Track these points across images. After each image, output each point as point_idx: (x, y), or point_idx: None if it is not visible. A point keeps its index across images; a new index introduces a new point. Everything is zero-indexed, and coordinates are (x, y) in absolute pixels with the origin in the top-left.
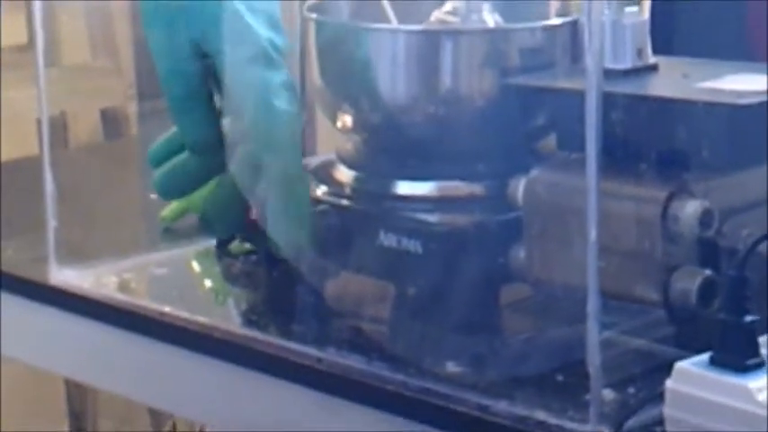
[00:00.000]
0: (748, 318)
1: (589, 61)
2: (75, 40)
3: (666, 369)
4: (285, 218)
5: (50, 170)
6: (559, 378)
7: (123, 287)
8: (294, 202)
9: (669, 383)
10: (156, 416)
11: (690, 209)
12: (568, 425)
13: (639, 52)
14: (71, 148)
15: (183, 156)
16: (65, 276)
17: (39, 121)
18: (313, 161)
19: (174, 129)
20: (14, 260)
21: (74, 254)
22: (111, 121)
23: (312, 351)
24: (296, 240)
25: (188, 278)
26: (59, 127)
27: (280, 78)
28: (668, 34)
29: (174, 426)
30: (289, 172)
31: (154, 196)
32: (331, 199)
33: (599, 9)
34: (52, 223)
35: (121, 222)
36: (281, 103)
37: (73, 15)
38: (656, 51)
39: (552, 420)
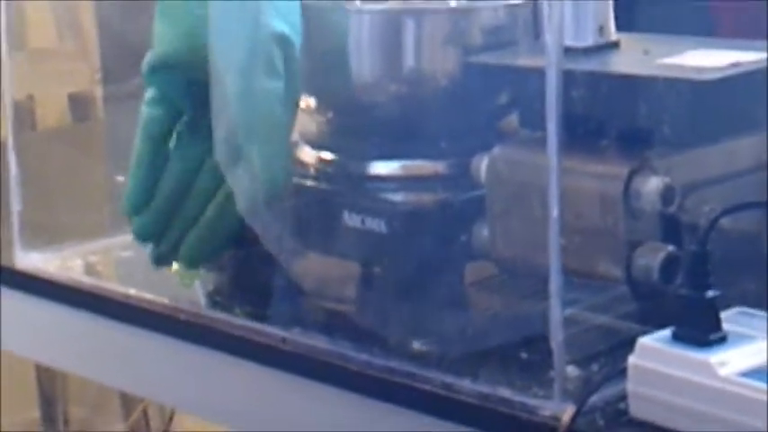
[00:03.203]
0: (710, 293)
1: (549, 39)
2: (41, 24)
3: (629, 345)
4: (263, 172)
5: (15, 154)
6: (523, 355)
7: (89, 270)
8: (273, 151)
9: (632, 359)
10: (127, 400)
11: (651, 185)
12: (532, 401)
13: (601, 29)
14: (39, 132)
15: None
16: (30, 260)
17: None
18: None
19: (142, 170)
20: None
21: (39, 237)
22: (78, 104)
23: (277, 331)
24: (278, 232)
25: None
26: (27, 111)
27: (267, 55)
28: (631, 11)
29: (146, 409)
30: (270, 111)
31: (120, 179)
32: (295, 179)
33: None
34: (16, 207)
35: (87, 205)
36: (264, 82)
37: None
38: (619, 28)
39: (516, 397)
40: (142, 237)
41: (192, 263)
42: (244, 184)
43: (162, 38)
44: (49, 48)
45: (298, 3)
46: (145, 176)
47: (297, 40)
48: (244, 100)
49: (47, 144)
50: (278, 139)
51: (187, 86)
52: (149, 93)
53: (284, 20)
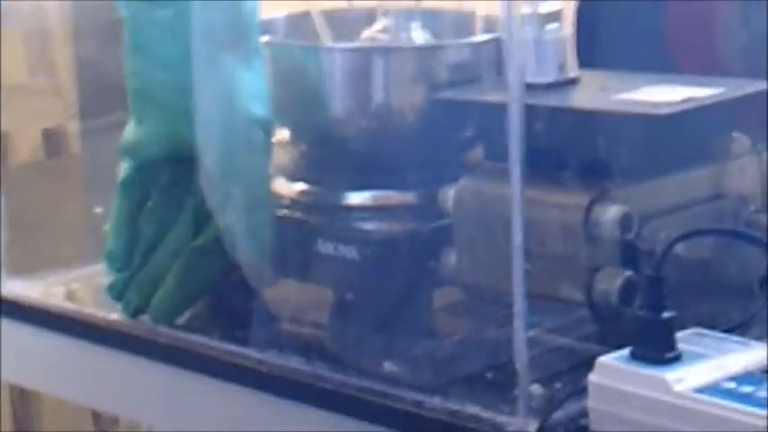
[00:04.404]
0: (666, 314)
1: (511, 76)
2: (12, 61)
3: (590, 364)
4: (248, 231)
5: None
6: (489, 375)
7: (70, 296)
8: (259, 222)
9: (592, 377)
10: (101, 422)
11: (610, 214)
12: (498, 418)
13: (561, 66)
14: (13, 167)
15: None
16: (14, 287)
17: None
18: None
19: (121, 231)
20: None
21: (22, 266)
22: (52, 140)
23: (254, 353)
24: (257, 264)
25: None
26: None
27: (251, 80)
28: (591, 49)
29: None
30: (254, 200)
31: (98, 210)
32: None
33: (519, 26)
34: (2, 237)
35: (67, 236)
36: (253, 109)
37: (9, 37)
38: (582, 65)
39: (484, 414)
40: (114, 295)
41: (162, 317)
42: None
43: (145, 126)
44: (20, 84)
45: (265, 84)
46: (124, 237)
47: (270, 120)
48: (229, 178)
49: (23, 178)
50: (261, 210)
51: (163, 163)
52: (129, 164)
53: (260, 102)
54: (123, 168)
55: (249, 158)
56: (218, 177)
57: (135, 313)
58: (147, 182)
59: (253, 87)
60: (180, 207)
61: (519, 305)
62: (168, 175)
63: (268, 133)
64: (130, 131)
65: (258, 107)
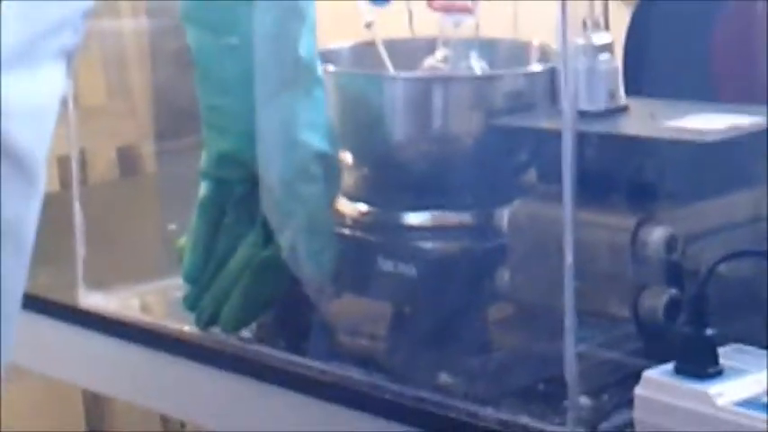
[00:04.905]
0: (709, 331)
1: (565, 104)
2: (91, 84)
3: (636, 378)
4: (310, 255)
5: (78, 203)
6: (541, 387)
7: (145, 309)
8: (318, 239)
9: (638, 390)
10: (168, 425)
11: (657, 235)
12: (549, 428)
13: (612, 95)
14: (90, 185)
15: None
16: (92, 300)
17: (59, 160)
18: None
19: (198, 247)
20: (46, 286)
21: (99, 280)
22: (126, 159)
23: (317, 364)
24: (319, 276)
25: None
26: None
27: (311, 112)
28: (639, 78)
29: None
30: (314, 226)
31: (172, 227)
32: (334, 228)
33: (574, 57)
34: (81, 252)
35: (143, 251)
36: (312, 142)
37: (89, 61)
38: (628, 93)
39: (534, 424)
40: (188, 307)
41: (231, 327)
42: (290, 240)
43: (212, 148)
44: (99, 105)
45: (324, 115)
46: (201, 252)
47: (332, 150)
48: (290, 209)
49: (100, 196)
50: (322, 235)
51: (235, 181)
52: (206, 184)
53: (319, 134)
54: (201, 188)
55: (307, 188)
56: (278, 201)
57: (207, 324)
58: (222, 200)
59: (312, 119)
60: (251, 222)
61: (569, 321)
62: (241, 191)
63: (327, 163)
64: (205, 153)
65: (316, 138)
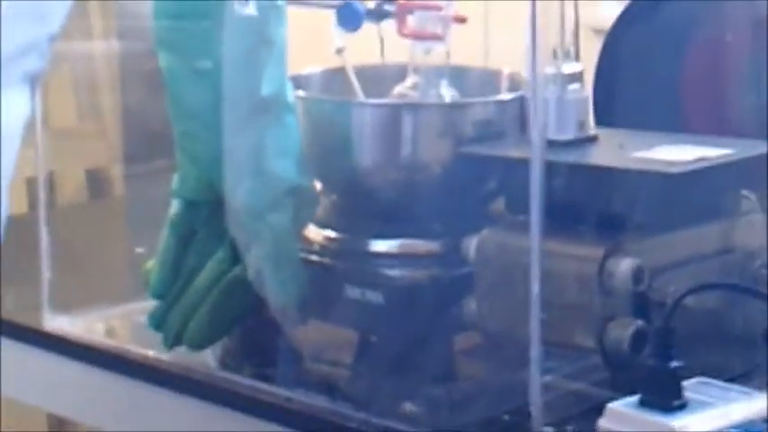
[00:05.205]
0: (674, 364)
1: (534, 134)
2: (61, 105)
3: (601, 410)
4: (276, 283)
5: (45, 226)
6: (505, 417)
7: (110, 333)
8: (285, 268)
9: (602, 422)
10: None
11: (624, 266)
12: None
13: (581, 124)
14: (58, 207)
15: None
16: (58, 323)
17: (27, 181)
18: None
19: (167, 264)
20: (10, 308)
21: (65, 303)
22: (95, 181)
23: (281, 391)
24: (285, 304)
25: None
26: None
27: (280, 141)
28: (609, 108)
29: None
30: (280, 254)
31: (139, 250)
32: (302, 255)
33: (543, 86)
34: (46, 275)
35: (109, 274)
36: (280, 171)
37: (60, 82)
38: (598, 123)
39: None
40: (153, 325)
41: (196, 344)
42: (256, 264)
43: (184, 170)
44: (69, 127)
45: (297, 140)
46: (168, 269)
47: (304, 178)
48: (256, 237)
49: (69, 218)
50: (288, 263)
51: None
52: (176, 202)
53: (291, 162)
54: (172, 205)
55: (275, 218)
56: (245, 228)
57: (173, 342)
58: (192, 218)
59: (283, 147)
60: (222, 239)
61: (535, 351)
62: (210, 210)
63: (297, 192)
64: (177, 174)
65: (287, 167)
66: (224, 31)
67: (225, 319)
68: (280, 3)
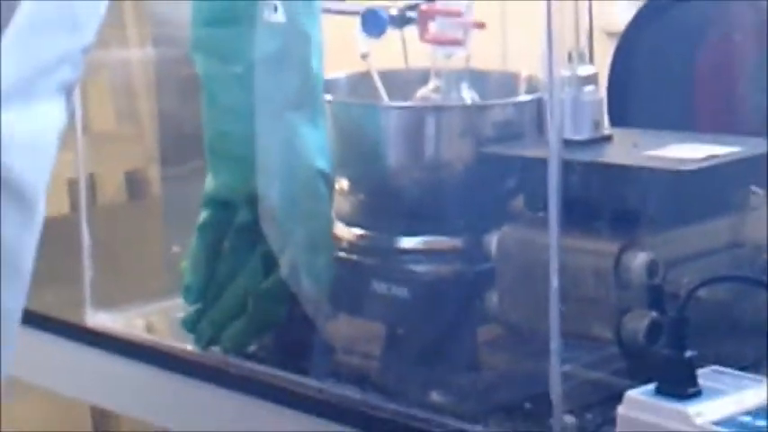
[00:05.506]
0: (688, 353)
1: (551, 134)
2: (101, 110)
3: (619, 397)
4: (310, 274)
5: (86, 226)
6: (527, 405)
7: (149, 328)
8: (319, 257)
9: (620, 409)
10: None
11: (638, 260)
12: None
13: (596, 124)
14: (99, 207)
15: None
16: (99, 319)
17: (69, 183)
18: None
19: (199, 269)
20: (54, 305)
21: (106, 300)
22: (134, 182)
23: (313, 382)
24: (318, 295)
25: None
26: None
27: (315, 136)
28: (623, 108)
29: None
30: (314, 243)
31: (176, 249)
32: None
33: (560, 88)
34: (88, 273)
35: (147, 273)
36: (317, 162)
37: (99, 88)
38: (612, 123)
39: None
40: (188, 328)
41: (232, 349)
42: (291, 259)
43: (217, 174)
44: (108, 131)
45: (326, 139)
46: (201, 275)
47: (330, 172)
48: (291, 227)
49: (109, 218)
50: (322, 252)
51: (236, 208)
52: (207, 209)
53: (322, 156)
54: (202, 213)
55: (311, 206)
56: (279, 221)
57: (206, 345)
58: (222, 225)
59: (316, 142)
60: (252, 249)
61: (554, 342)
62: (241, 219)
63: (329, 184)
64: (207, 179)
65: (320, 160)
66: (256, 35)
67: (257, 328)
68: (313, 1)
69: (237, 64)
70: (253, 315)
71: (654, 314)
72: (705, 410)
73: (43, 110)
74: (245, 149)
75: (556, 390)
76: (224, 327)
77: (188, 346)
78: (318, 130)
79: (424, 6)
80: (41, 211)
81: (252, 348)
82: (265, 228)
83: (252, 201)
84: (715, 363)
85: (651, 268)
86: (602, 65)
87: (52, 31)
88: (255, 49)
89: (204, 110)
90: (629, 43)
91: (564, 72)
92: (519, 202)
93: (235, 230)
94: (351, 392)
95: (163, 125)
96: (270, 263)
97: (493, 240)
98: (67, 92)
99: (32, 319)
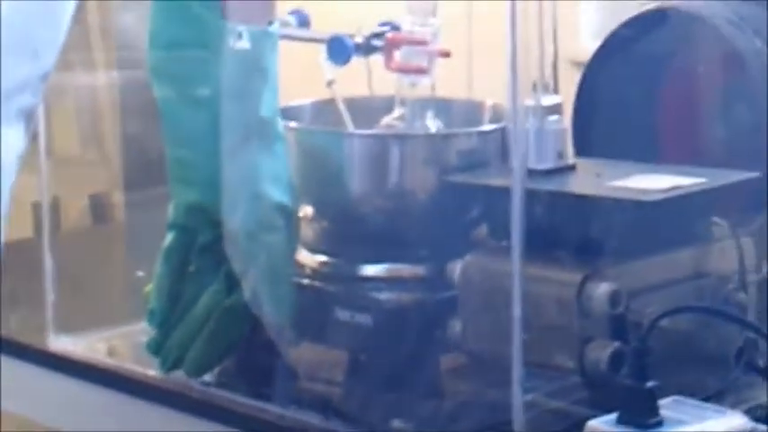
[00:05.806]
0: (650, 383)
1: (515, 163)
2: (65, 134)
3: (580, 427)
4: (272, 301)
5: (49, 250)
6: None
7: (112, 353)
8: (280, 286)
9: None
10: None
11: (601, 290)
12: None
13: (560, 154)
14: (62, 231)
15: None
16: (61, 343)
17: (33, 206)
18: None
19: (163, 294)
20: (16, 329)
21: (68, 324)
22: (98, 207)
23: (275, 409)
24: (280, 321)
25: None
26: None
27: (273, 166)
28: (587, 138)
29: None
30: (274, 274)
31: (140, 274)
32: (294, 278)
33: (524, 117)
34: (51, 297)
35: (110, 297)
36: (274, 194)
37: (63, 113)
38: (576, 153)
39: None
40: (152, 351)
41: (195, 372)
42: (252, 284)
43: (178, 199)
44: (72, 155)
45: (287, 167)
46: (165, 299)
47: (292, 203)
48: (253, 257)
49: (73, 242)
50: (282, 283)
51: (199, 230)
52: (171, 233)
53: (280, 186)
54: (167, 236)
55: (268, 238)
56: (241, 250)
57: (171, 368)
58: (185, 249)
59: (274, 173)
60: (216, 270)
61: (517, 371)
62: (204, 240)
63: (287, 215)
64: (172, 204)
65: (277, 191)
66: (221, 62)
67: (220, 347)
68: (273, 33)
69: (195, 88)
70: (215, 332)
71: (616, 344)
72: None
73: (3, 135)
74: (204, 174)
75: (518, 418)
76: (188, 348)
77: (150, 370)
78: (277, 160)
79: (389, 35)
80: (3, 234)
81: (214, 373)
82: (228, 250)
83: (215, 222)
84: (677, 393)
85: (614, 298)
86: (567, 94)
87: (12, 59)
88: (221, 76)
89: (163, 135)
90: (595, 73)
91: (528, 101)
92: (483, 231)
93: (198, 251)
94: (313, 419)
95: (128, 149)
96: (233, 281)
97: (456, 269)
98: (27, 117)
99: None
